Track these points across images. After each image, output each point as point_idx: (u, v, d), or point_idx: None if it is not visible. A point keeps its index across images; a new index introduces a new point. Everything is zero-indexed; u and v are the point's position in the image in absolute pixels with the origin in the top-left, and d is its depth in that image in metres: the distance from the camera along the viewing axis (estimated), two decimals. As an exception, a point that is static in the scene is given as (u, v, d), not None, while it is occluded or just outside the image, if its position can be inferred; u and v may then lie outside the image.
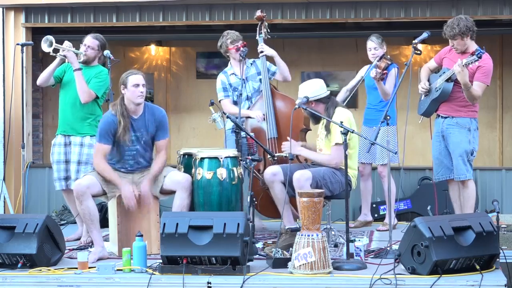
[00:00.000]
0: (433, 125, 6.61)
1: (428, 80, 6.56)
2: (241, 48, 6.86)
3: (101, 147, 6.00)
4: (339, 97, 7.16)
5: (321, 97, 6.23)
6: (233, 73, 6.99)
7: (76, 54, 6.59)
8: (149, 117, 6.09)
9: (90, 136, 6.59)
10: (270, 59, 7.00)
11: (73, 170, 6.58)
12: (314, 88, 6.26)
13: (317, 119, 6.29)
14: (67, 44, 6.55)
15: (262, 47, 6.91)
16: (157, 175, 6.05)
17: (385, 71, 6.81)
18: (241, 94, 6.84)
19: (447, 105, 6.39)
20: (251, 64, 7.02)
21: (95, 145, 6.11)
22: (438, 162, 6.51)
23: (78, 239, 6.65)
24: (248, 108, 6.94)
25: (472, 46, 6.28)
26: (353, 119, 6.23)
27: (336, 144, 6.10)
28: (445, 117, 6.42)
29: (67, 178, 6.65)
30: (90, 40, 6.71)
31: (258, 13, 6.99)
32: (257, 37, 6.97)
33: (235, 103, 6.92)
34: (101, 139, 6.00)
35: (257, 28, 7.00)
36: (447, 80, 6.29)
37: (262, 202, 6.61)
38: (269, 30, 7.03)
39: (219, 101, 7.01)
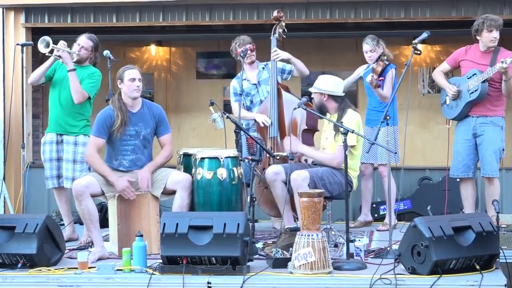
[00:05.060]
0: (452, 125, 6.65)
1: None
2: (243, 49, 6.87)
3: (96, 140, 6.02)
4: None
5: (335, 95, 6.19)
6: (245, 79, 7.00)
7: (69, 54, 6.55)
8: (147, 112, 6.12)
9: (84, 134, 6.60)
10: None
11: (69, 168, 6.59)
12: (332, 83, 6.22)
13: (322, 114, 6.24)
14: (62, 43, 6.51)
15: (277, 53, 6.82)
16: (159, 166, 6.08)
17: (381, 78, 6.79)
18: (240, 94, 6.87)
19: (481, 105, 6.42)
20: (263, 68, 7.00)
21: (90, 138, 6.12)
22: (460, 159, 6.52)
23: (68, 240, 6.56)
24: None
25: None
26: (361, 122, 6.22)
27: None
28: (478, 116, 6.45)
29: (59, 176, 6.67)
30: (84, 41, 6.67)
31: (275, 13, 6.88)
32: (271, 37, 6.92)
33: (248, 108, 6.98)
34: (96, 132, 6.02)
35: (273, 28, 6.91)
36: (483, 82, 6.31)
37: (261, 200, 6.61)
38: (286, 30, 6.92)
39: (231, 105, 7.06)
